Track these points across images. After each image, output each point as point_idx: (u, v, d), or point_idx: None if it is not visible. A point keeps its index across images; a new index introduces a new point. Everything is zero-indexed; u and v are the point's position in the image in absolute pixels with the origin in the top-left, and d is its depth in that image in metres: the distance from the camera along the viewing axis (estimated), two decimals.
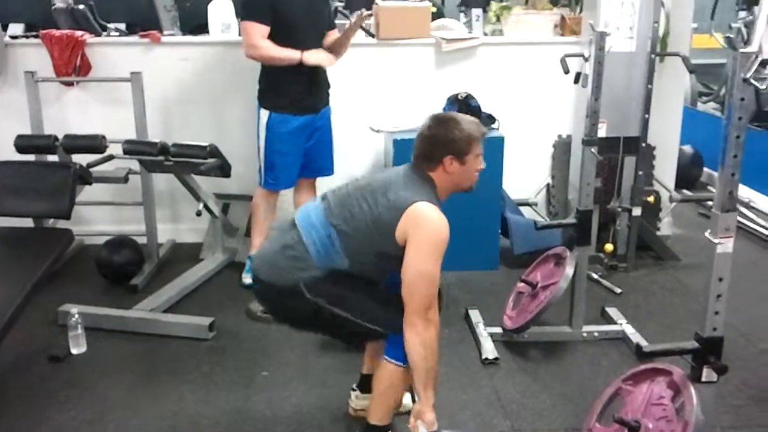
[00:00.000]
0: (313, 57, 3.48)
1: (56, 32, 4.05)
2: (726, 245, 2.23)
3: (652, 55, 3.85)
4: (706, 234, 2.24)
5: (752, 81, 2.08)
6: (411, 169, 2.37)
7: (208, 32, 4.32)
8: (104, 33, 4.37)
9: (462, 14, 8.20)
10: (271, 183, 3.72)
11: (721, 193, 2.19)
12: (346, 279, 2.29)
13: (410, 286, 2.21)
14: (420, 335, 2.21)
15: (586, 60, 3.22)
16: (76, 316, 3.09)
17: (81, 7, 4.35)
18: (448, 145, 2.30)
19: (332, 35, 3.73)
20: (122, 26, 4.64)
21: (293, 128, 3.57)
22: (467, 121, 2.36)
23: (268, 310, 2.45)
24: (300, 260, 2.27)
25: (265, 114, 3.57)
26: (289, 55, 3.44)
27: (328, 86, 3.76)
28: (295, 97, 3.52)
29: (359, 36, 4.43)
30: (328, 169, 3.89)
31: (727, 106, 2.15)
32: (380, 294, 2.33)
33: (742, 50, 2.10)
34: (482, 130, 2.38)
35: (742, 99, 2.11)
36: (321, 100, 3.71)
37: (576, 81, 3.40)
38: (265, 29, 3.44)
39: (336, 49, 3.64)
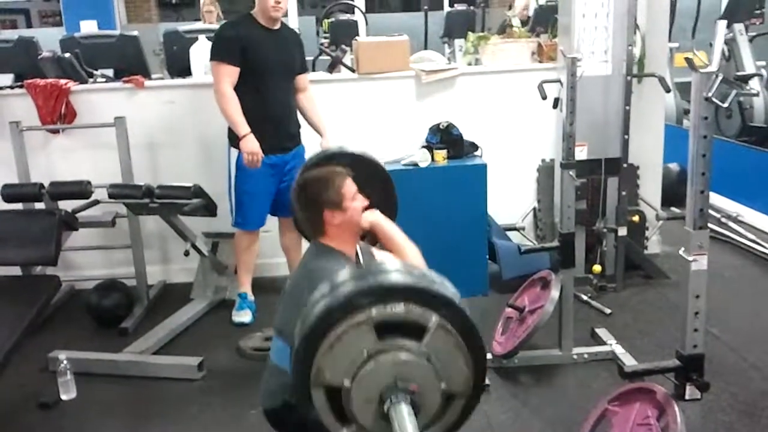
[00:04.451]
0: (248, 145, 3.48)
1: (40, 81, 4.11)
2: (700, 262, 2.24)
3: (628, 77, 3.90)
4: (680, 252, 2.26)
5: (714, 99, 2.12)
6: (311, 250, 2.37)
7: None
8: (91, 80, 4.43)
9: (445, 45, 8.36)
10: (239, 222, 3.75)
11: (692, 210, 2.21)
12: None
13: None
14: None
15: (563, 85, 3.27)
16: (65, 362, 3.10)
17: (67, 55, 4.42)
18: (320, 202, 2.28)
19: (302, 79, 3.79)
20: (110, 72, 4.71)
21: (262, 168, 3.57)
22: (328, 171, 2.35)
23: None
24: (281, 381, 2.25)
25: (234, 153, 3.59)
26: (238, 124, 3.47)
27: (299, 126, 3.78)
28: (262, 136, 3.52)
29: (342, 71, 4.53)
30: None
31: (691, 125, 2.18)
32: None
33: (702, 70, 2.13)
34: (344, 172, 2.34)
35: (705, 118, 2.14)
36: (290, 140, 3.72)
37: (555, 106, 3.45)
38: (234, 70, 3.48)
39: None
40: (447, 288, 1.70)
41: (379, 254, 2.46)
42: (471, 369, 1.67)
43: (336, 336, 1.60)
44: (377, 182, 2.68)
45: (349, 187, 2.33)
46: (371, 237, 2.55)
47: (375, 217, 2.45)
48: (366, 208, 2.41)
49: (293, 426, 2.28)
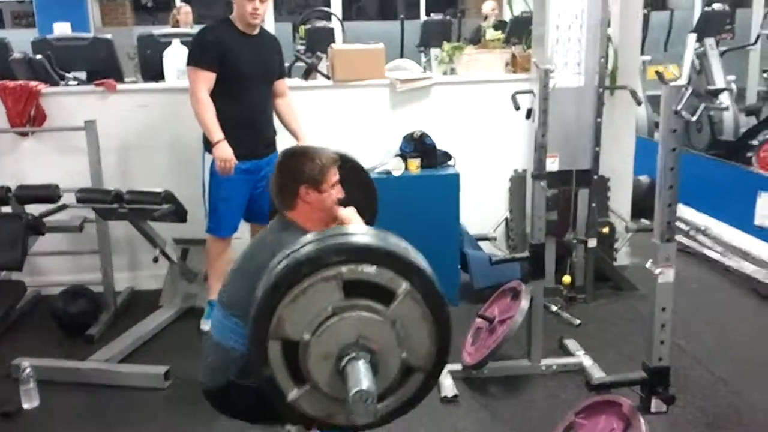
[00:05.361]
0: (221, 152, 3.44)
1: (10, 83, 4.05)
2: (667, 275, 2.26)
3: (600, 89, 3.94)
4: (648, 265, 2.27)
5: (683, 113, 2.14)
6: (273, 225, 2.35)
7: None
8: (62, 82, 4.36)
9: (421, 54, 8.40)
10: (212, 228, 3.71)
11: (659, 223, 2.23)
12: None
13: None
14: None
15: (536, 96, 3.29)
16: (28, 369, 3.03)
17: (39, 57, 4.36)
18: (301, 175, 2.27)
19: (281, 85, 3.76)
20: (83, 75, 4.65)
21: (236, 174, 3.54)
22: (318, 150, 2.35)
23: (230, 415, 2.34)
24: (225, 358, 2.21)
25: (209, 158, 3.55)
26: (212, 130, 3.43)
27: (275, 132, 3.76)
28: (237, 141, 3.49)
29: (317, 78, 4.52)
30: None
31: (661, 138, 2.19)
32: None
33: (672, 83, 2.15)
34: (334, 157, 2.35)
35: (674, 131, 2.16)
36: (266, 146, 3.70)
37: (528, 117, 3.46)
38: (210, 76, 3.45)
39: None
40: (420, 260, 1.68)
41: None
42: (434, 343, 1.64)
43: (301, 289, 1.56)
44: (361, 189, 2.82)
45: (333, 173, 2.33)
46: None
47: (349, 214, 2.47)
48: (343, 205, 2.41)
49: (237, 406, 2.24)
